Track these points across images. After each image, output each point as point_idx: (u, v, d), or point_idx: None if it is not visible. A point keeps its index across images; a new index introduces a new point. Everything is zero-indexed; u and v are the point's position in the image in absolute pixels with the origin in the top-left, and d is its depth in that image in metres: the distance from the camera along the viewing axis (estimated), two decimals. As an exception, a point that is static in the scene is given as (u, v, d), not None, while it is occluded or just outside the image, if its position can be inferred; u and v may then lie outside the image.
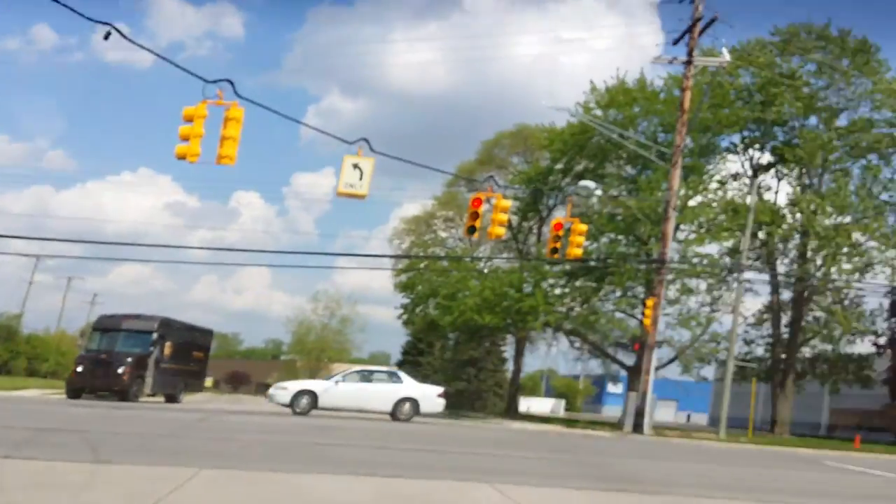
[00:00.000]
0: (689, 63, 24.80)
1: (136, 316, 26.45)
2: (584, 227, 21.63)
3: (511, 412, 39.53)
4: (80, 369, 24.41)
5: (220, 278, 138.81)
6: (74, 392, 23.84)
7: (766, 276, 33.46)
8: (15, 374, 43.74)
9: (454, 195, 43.62)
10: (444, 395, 22.47)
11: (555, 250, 21.06)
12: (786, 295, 33.99)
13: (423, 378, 31.50)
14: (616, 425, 26.30)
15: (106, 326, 26.28)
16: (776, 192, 33.87)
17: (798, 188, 32.97)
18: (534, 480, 8.02)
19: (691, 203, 29.14)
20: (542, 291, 29.98)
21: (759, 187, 32.11)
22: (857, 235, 31.06)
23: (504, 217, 19.31)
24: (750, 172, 33.64)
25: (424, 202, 61.24)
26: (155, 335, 25.57)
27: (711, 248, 30.68)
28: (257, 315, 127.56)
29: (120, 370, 23.89)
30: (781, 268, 34.02)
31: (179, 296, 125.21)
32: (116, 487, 5.40)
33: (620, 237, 30.44)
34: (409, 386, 21.98)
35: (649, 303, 24.47)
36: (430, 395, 21.97)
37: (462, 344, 46.25)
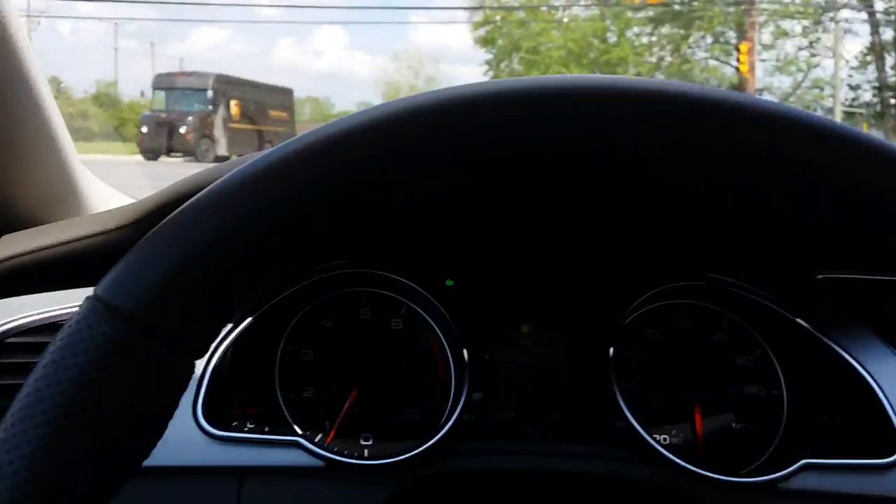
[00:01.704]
0: None
1: (191, 74, 25.50)
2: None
3: None
4: (144, 129, 23.96)
5: (298, 40, 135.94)
6: (150, 153, 23.38)
7: (864, 15, 29.35)
8: (128, 141, 43.59)
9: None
10: None
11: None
12: (888, 34, 29.91)
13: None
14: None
15: (163, 85, 25.38)
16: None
17: None
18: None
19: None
20: (628, 41, 28.24)
21: None
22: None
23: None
24: None
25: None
26: (210, 93, 24.46)
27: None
28: (342, 78, 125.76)
29: (182, 130, 23.50)
30: (880, 4, 29.71)
31: (261, 59, 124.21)
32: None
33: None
34: None
35: (743, 48, 22.31)
36: None
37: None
